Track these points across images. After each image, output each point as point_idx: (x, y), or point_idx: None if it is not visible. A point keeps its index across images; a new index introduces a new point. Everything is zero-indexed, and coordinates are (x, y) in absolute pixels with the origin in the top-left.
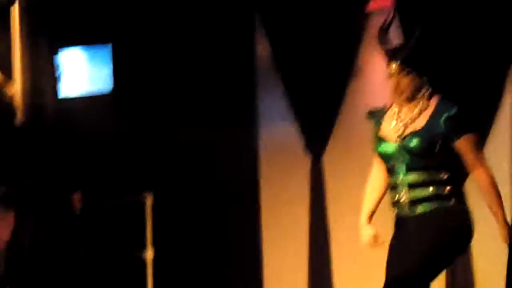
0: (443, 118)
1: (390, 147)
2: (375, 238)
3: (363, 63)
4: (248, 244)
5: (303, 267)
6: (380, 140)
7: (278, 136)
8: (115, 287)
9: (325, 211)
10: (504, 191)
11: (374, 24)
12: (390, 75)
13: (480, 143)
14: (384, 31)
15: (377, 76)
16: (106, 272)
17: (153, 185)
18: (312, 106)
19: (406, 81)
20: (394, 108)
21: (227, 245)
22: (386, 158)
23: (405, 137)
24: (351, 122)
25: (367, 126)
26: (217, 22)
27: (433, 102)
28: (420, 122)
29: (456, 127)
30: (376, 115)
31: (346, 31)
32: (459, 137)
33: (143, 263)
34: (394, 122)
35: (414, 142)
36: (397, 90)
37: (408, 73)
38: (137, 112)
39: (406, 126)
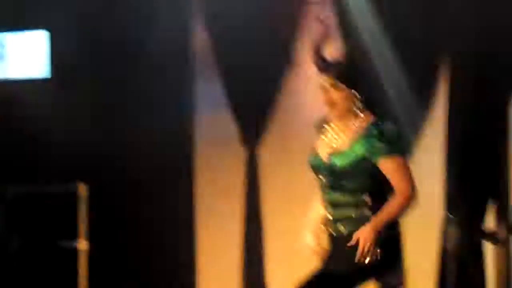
0: (370, 139)
1: (319, 162)
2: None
3: (299, 55)
4: (182, 235)
5: (237, 258)
6: (313, 152)
7: (214, 127)
8: (47, 277)
9: (259, 203)
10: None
11: (312, 16)
12: (322, 89)
13: (406, 165)
14: (318, 45)
15: (313, 69)
16: (39, 263)
17: (88, 175)
18: (249, 98)
19: (338, 96)
20: (331, 122)
21: (162, 235)
22: (315, 172)
23: (331, 156)
24: (287, 115)
25: (302, 119)
26: (155, 10)
27: (365, 120)
28: (348, 142)
29: (382, 148)
30: (319, 125)
31: (284, 22)
32: (383, 158)
33: (75, 254)
34: (326, 139)
35: (338, 162)
36: (328, 104)
37: (340, 88)
38: (74, 98)
39: (334, 145)
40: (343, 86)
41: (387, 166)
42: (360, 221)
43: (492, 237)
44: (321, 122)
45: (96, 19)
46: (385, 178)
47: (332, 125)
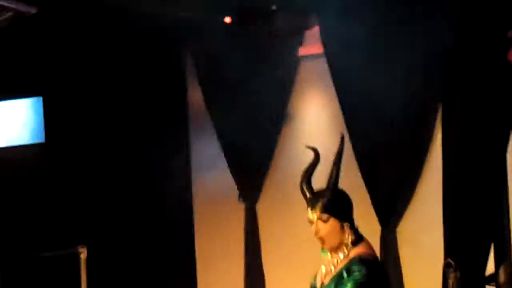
0: (339, 279)
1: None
2: None
3: (294, 109)
4: None
5: None
6: (314, 276)
7: (212, 185)
8: None
9: (259, 258)
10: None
11: (305, 70)
12: (310, 222)
13: None
14: (308, 174)
15: (309, 122)
16: None
17: (88, 238)
18: (245, 153)
19: (323, 228)
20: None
21: None
22: None
23: (322, 286)
24: (284, 169)
25: (299, 172)
26: (149, 69)
27: (352, 253)
28: (330, 276)
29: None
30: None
31: (278, 78)
32: None
33: None
34: (321, 269)
35: None
36: (317, 236)
37: (326, 220)
38: (70, 162)
39: (324, 278)
40: (329, 217)
41: None
42: None
43: (493, 281)
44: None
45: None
46: None
47: (329, 255)
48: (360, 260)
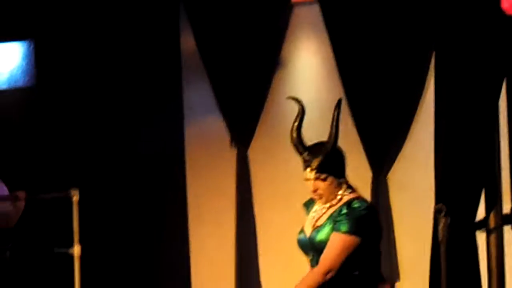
0: (338, 215)
1: (303, 239)
2: None
3: (287, 56)
4: (175, 236)
5: (230, 258)
6: (301, 230)
7: (204, 129)
8: (43, 283)
9: (251, 203)
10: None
11: (298, 17)
12: (307, 180)
13: (345, 251)
14: (297, 128)
15: (302, 68)
16: (33, 269)
17: (80, 181)
18: (238, 99)
19: (323, 186)
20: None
21: (155, 240)
22: (301, 249)
23: (313, 231)
24: (276, 115)
25: (291, 119)
26: (142, 15)
27: (347, 197)
28: (326, 216)
29: (339, 224)
30: (309, 205)
31: (270, 23)
32: (334, 232)
33: (70, 259)
34: (311, 216)
35: (319, 237)
36: (315, 193)
37: (324, 179)
38: (62, 106)
39: (316, 220)
40: (327, 175)
41: (331, 239)
42: None
43: (484, 227)
44: (310, 202)
45: (83, 26)
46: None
47: (319, 205)
48: (359, 198)
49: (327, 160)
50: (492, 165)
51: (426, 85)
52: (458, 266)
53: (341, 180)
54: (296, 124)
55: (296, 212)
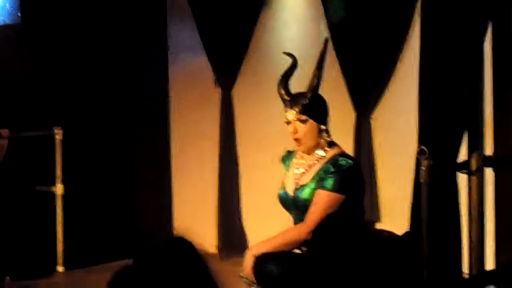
0: (323, 172)
1: (286, 197)
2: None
3: None
4: (158, 178)
5: (213, 197)
6: (282, 188)
7: (188, 70)
8: (25, 221)
9: (234, 143)
10: (410, 120)
11: None
12: (288, 122)
13: (330, 209)
14: (285, 78)
15: (287, 9)
16: (16, 207)
17: (64, 120)
18: (222, 39)
19: (302, 129)
20: (297, 155)
21: (138, 180)
22: (283, 205)
23: (296, 190)
24: (261, 55)
25: (276, 60)
26: None
27: (330, 153)
28: (310, 174)
29: (325, 181)
30: (287, 159)
31: None
32: (319, 189)
33: (53, 198)
34: (293, 173)
35: (301, 195)
36: (294, 137)
37: (305, 121)
38: (47, 45)
39: (299, 179)
40: (307, 118)
41: (316, 196)
42: None
43: (465, 169)
44: (289, 155)
45: None
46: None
47: (299, 159)
48: (345, 154)
49: (309, 103)
50: (475, 108)
51: (411, 26)
52: (439, 207)
53: (322, 127)
54: (285, 75)
55: (279, 153)
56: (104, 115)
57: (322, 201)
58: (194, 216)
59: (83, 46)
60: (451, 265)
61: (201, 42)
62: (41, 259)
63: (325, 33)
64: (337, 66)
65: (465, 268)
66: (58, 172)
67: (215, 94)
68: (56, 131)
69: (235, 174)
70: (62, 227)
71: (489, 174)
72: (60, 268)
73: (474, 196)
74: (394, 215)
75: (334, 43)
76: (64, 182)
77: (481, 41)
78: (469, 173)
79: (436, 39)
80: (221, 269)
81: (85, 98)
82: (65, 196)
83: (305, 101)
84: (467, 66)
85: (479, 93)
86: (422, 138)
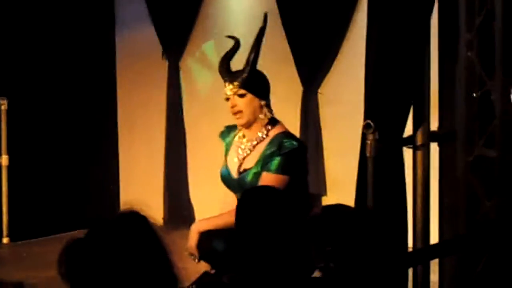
0: (268, 153)
1: (228, 178)
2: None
3: None
4: (105, 149)
5: (160, 168)
6: (224, 166)
7: (136, 41)
8: None
9: (181, 115)
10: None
11: None
12: (227, 98)
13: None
14: (227, 58)
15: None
16: None
17: (9, 91)
18: (170, 10)
19: (241, 103)
20: (239, 133)
21: (84, 152)
22: (227, 186)
23: (241, 173)
24: (208, 28)
25: (223, 32)
26: None
27: (273, 132)
28: (254, 157)
29: (270, 164)
30: (227, 135)
31: None
32: (265, 172)
33: None
34: (236, 153)
35: (247, 179)
36: (233, 111)
37: (243, 95)
38: None
39: (242, 161)
40: (246, 92)
41: (262, 179)
42: None
43: (411, 143)
44: (230, 131)
45: None
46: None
47: (241, 138)
48: (289, 134)
49: (246, 77)
50: (420, 82)
51: (358, 0)
52: (385, 181)
53: (262, 102)
54: (226, 56)
55: (224, 123)
56: (50, 86)
57: (267, 183)
58: (141, 188)
59: (30, 16)
60: (396, 239)
61: (149, 13)
62: None
63: (272, 4)
64: (284, 40)
65: (410, 242)
66: (3, 142)
67: (163, 66)
68: (1, 101)
69: (182, 146)
70: (7, 198)
71: (434, 149)
72: (5, 240)
73: (419, 171)
74: (340, 189)
75: (282, 17)
76: (9, 153)
77: (428, 16)
78: (415, 148)
79: (382, 13)
80: (168, 241)
81: (31, 68)
82: (10, 167)
83: (243, 76)
84: (413, 40)
85: (424, 67)
86: (368, 112)
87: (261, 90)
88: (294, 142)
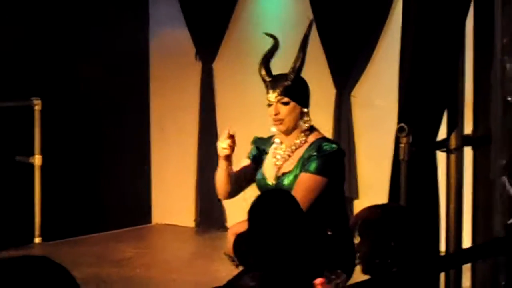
0: (307, 157)
1: (266, 184)
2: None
3: None
4: (136, 149)
5: (192, 171)
6: (261, 174)
7: (169, 42)
8: (3, 191)
9: (214, 118)
10: (391, 99)
11: None
12: (269, 104)
13: (314, 192)
14: (266, 59)
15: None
16: None
17: (43, 91)
18: (204, 12)
19: (284, 111)
20: (276, 139)
21: (116, 150)
22: (261, 191)
23: (279, 177)
24: (242, 29)
25: (257, 34)
26: None
27: (312, 138)
28: (293, 161)
29: (309, 165)
30: (261, 143)
31: None
32: (303, 172)
33: (31, 169)
34: (273, 160)
35: (286, 182)
36: (276, 119)
37: (286, 103)
38: (25, 13)
39: (281, 166)
40: (290, 100)
41: (299, 179)
42: None
43: (445, 146)
44: (262, 141)
45: None
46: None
47: (279, 144)
48: (327, 139)
49: (291, 85)
50: (455, 86)
51: (393, 4)
52: (418, 185)
53: (304, 110)
54: (266, 56)
55: (257, 126)
56: (84, 86)
57: (305, 184)
58: (173, 190)
59: (64, 17)
60: (429, 243)
61: (182, 14)
62: (18, 230)
63: (308, 10)
64: (318, 43)
65: (443, 247)
66: (37, 143)
67: (196, 68)
68: (35, 101)
69: (214, 149)
70: (40, 198)
71: (468, 153)
72: (37, 239)
73: (453, 175)
74: (372, 192)
75: (316, 21)
76: (42, 153)
77: (463, 19)
78: (448, 152)
79: (417, 17)
80: (199, 242)
81: (65, 69)
82: (43, 167)
83: (288, 83)
84: (448, 44)
85: (459, 71)
86: (402, 116)
87: (304, 98)
88: (334, 145)
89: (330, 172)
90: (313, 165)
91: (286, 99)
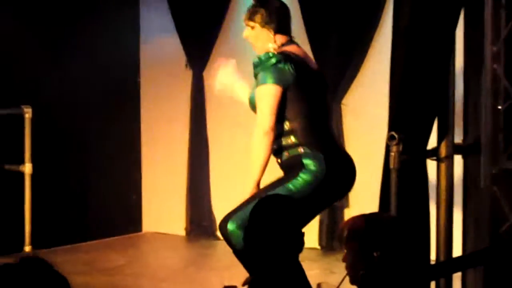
0: (258, 69)
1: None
2: None
3: None
4: (128, 157)
5: (182, 178)
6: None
7: (160, 50)
8: None
9: (205, 126)
10: (381, 107)
11: None
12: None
13: (271, 98)
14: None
15: None
16: None
17: (33, 99)
18: (194, 20)
19: (251, 34)
20: None
21: (106, 158)
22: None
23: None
24: (232, 38)
25: (247, 43)
26: None
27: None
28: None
29: (259, 77)
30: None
31: None
32: (257, 86)
33: (21, 177)
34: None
35: (251, 96)
36: (247, 40)
37: (252, 27)
38: (15, 21)
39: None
40: (254, 24)
41: (256, 95)
42: (288, 148)
43: (435, 155)
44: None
45: None
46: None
47: None
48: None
49: (257, 9)
50: (445, 94)
51: (383, 12)
52: (408, 193)
53: (271, 33)
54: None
55: (248, 134)
56: (74, 95)
57: (260, 96)
58: (163, 198)
59: (55, 26)
60: (418, 252)
61: (173, 22)
62: (8, 238)
63: (298, 18)
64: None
65: (433, 255)
66: (27, 151)
67: (187, 76)
68: (25, 109)
69: (205, 156)
70: (30, 206)
71: (458, 161)
72: (27, 248)
73: (443, 183)
74: (363, 201)
75: (306, 28)
76: (32, 161)
77: (453, 28)
78: (438, 160)
79: (407, 26)
80: (190, 251)
81: (56, 77)
82: (33, 175)
83: (254, 8)
84: (438, 52)
85: (449, 80)
86: (393, 124)
87: (272, 21)
88: (277, 55)
89: (280, 80)
90: (260, 79)
91: (251, 23)
